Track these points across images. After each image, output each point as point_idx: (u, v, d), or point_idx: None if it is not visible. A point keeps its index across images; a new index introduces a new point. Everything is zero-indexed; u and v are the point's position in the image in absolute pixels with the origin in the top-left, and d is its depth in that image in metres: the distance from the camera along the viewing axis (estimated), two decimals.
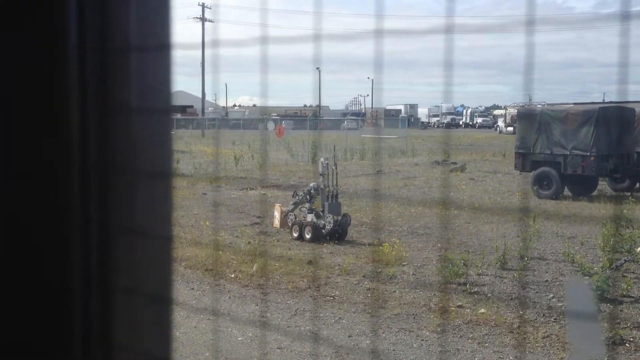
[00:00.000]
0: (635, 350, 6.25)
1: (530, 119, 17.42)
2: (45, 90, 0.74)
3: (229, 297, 8.02)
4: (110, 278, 0.75)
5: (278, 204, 12.41)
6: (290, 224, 11.36)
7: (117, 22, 0.76)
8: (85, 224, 0.73)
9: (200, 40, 51.50)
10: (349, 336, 6.63)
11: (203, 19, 60.91)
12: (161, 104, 0.79)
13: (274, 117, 45.93)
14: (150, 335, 0.79)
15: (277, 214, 12.14)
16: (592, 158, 16.22)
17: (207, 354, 6.15)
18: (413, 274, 8.94)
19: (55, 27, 0.73)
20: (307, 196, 11.31)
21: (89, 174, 0.74)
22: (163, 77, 0.80)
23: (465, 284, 8.31)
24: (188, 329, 6.70)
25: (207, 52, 57.48)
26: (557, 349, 6.26)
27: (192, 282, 8.64)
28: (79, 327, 0.73)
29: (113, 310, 0.75)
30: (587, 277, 8.22)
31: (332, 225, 10.85)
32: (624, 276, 8.41)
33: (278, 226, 11.99)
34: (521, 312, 7.34)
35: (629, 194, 16.57)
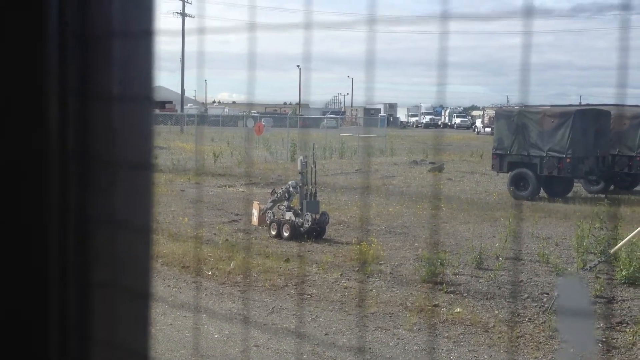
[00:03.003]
0: (607, 350, 6.35)
1: (507, 120, 17.58)
2: (22, 77, 0.72)
3: (206, 295, 7.98)
4: (89, 271, 0.73)
5: (256, 202, 12.38)
6: (268, 222, 11.34)
7: (99, 6, 0.74)
8: (63, 215, 0.71)
9: (182, 33, 51.07)
10: (326, 334, 6.64)
11: (183, 14, 60.51)
12: (143, 92, 0.78)
13: (253, 115, 45.77)
14: (129, 330, 0.78)
15: (255, 212, 12.11)
16: (568, 160, 16.42)
17: (182, 351, 6.11)
18: (390, 273, 8.97)
19: (34, 12, 0.71)
20: (286, 194, 11.29)
21: (67, 164, 0.72)
22: (145, 65, 0.78)
23: (441, 283, 8.36)
24: (164, 326, 6.65)
25: (187, 47, 57.02)
26: (531, 348, 6.33)
27: (168, 279, 8.58)
28: (55, 320, 0.71)
29: (91, 303, 0.73)
30: (560, 278, 8.32)
31: (310, 223, 10.85)
32: (598, 277, 8.53)
33: (256, 224, 11.96)
34: (496, 312, 7.41)
35: (604, 195, 16.81)
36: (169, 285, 8.32)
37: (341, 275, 8.77)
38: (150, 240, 0.80)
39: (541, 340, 6.49)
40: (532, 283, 8.51)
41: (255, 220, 12.05)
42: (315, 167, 11.73)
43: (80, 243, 0.72)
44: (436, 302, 7.64)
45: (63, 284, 0.71)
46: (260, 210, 11.87)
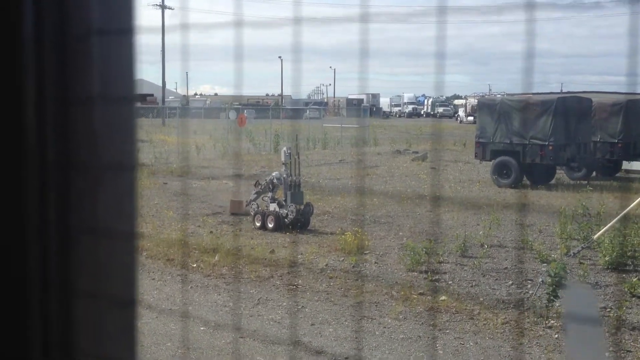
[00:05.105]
0: None
1: (490, 109, 17.66)
2: None
3: (191, 287, 7.95)
4: (71, 281, 0.70)
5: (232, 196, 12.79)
6: (252, 214, 11.34)
7: (77, 3, 0.71)
8: (43, 224, 0.69)
9: (162, 26, 50.66)
10: (312, 324, 6.65)
11: (163, 6, 59.93)
12: (125, 92, 0.75)
13: (235, 106, 45.56)
14: (114, 341, 0.75)
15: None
16: (550, 147, 16.54)
17: (168, 344, 6.09)
18: (375, 263, 8.99)
19: (7, 9, 0.67)
20: (270, 185, 11.27)
21: (47, 170, 0.69)
22: (126, 64, 0.75)
23: (426, 271, 8.40)
24: (149, 320, 6.62)
25: (168, 39, 56.54)
26: (516, 334, 6.38)
27: (153, 272, 8.54)
28: (38, 333, 0.68)
29: (74, 314, 0.71)
30: (545, 264, 8.39)
31: (294, 214, 10.84)
32: (581, 263, 8.61)
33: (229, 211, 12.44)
34: (481, 299, 7.46)
35: (586, 182, 16.97)
36: (153, 279, 8.27)
37: (326, 265, 8.77)
38: (135, 246, 0.78)
39: (526, 327, 6.55)
40: (516, 270, 8.58)
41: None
42: (298, 158, 11.71)
43: (62, 252, 0.69)
44: (421, 291, 7.67)
45: (45, 295, 0.68)
46: (233, 200, 12.43)
